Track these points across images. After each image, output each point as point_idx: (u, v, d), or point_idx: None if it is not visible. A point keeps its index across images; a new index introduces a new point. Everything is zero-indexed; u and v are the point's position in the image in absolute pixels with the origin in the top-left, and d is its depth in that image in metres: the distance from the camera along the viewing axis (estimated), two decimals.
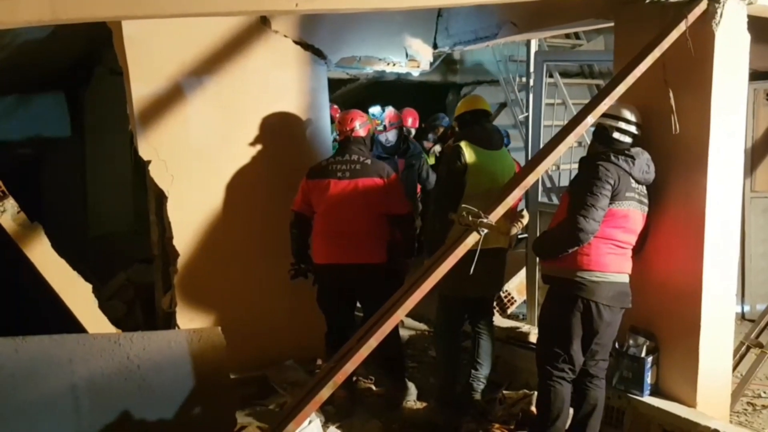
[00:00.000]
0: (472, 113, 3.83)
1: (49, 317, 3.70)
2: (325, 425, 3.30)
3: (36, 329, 2.72)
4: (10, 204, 3.56)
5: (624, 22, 3.51)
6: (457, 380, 3.80)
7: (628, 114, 3.13)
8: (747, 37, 3.11)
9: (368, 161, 3.82)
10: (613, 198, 3.00)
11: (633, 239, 3.14)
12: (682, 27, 2.92)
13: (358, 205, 3.75)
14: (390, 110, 5.19)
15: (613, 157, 3.05)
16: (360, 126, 3.91)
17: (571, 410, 3.25)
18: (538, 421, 3.26)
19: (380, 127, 5.07)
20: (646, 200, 3.14)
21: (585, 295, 3.03)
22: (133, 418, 2.63)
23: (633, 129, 3.14)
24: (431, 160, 5.85)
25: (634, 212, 3.08)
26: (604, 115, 3.07)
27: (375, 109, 5.23)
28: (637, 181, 3.08)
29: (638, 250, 3.23)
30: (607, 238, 3.04)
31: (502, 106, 8.31)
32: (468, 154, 3.60)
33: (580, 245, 3.00)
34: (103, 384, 2.61)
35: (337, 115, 4.28)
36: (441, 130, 6.35)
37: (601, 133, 3.16)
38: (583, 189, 3.02)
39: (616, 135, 3.12)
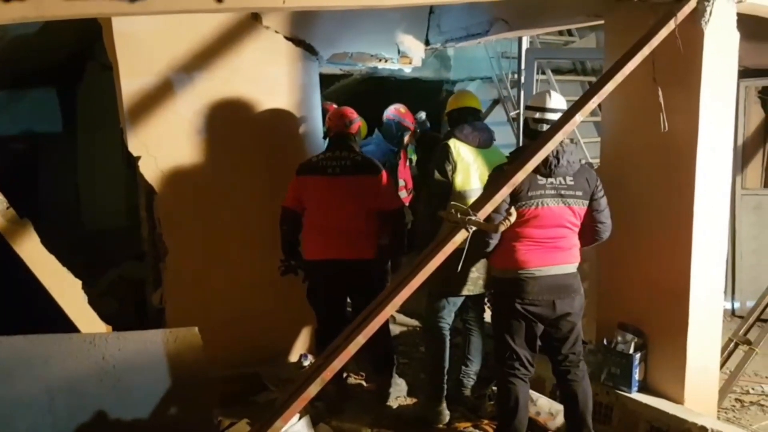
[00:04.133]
0: (459, 110, 3.81)
1: (46, 314, 3.70)
2: (315, 421, 3.31)
3: (34, 325, 2.72)
4: None
5: (614, 20, 3.52)
6: (447, 376, 3.81)
7: (549, 101, 3.09)
8: (736, 35, 3.13)
9: (358, 157, 3.81)
10: (515, 201, 2.97)
11: (557, 232, 3.06)
12: (671, 25, 2.93)
13: (348, 201, 3.75)
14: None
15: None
16: (350, 123, 3.90)
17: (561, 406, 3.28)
18: (498, 421, 3.30)
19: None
20: (569, 191, 3.03)
21: (512, 292, 3.05)
22: (109, 418, 2.64)
23: (556, 116, 3.07)
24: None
25: (546, 210, 3.00)
26: (528, 108, 3.11)
27: (422, 114, 5.29)
28: (546, 176, 3.02)
29: (594, 236, 3.17)
30: (523, 237, 3.03)
31: (495, 102, 8.30)
32: (456, 152, 3.60)
33: (488, 247, 3.04)
34: (78, 384, 2.61)
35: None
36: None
37: (526, 127, 3.16)
38: None
39: (541, 127, 3.07)
